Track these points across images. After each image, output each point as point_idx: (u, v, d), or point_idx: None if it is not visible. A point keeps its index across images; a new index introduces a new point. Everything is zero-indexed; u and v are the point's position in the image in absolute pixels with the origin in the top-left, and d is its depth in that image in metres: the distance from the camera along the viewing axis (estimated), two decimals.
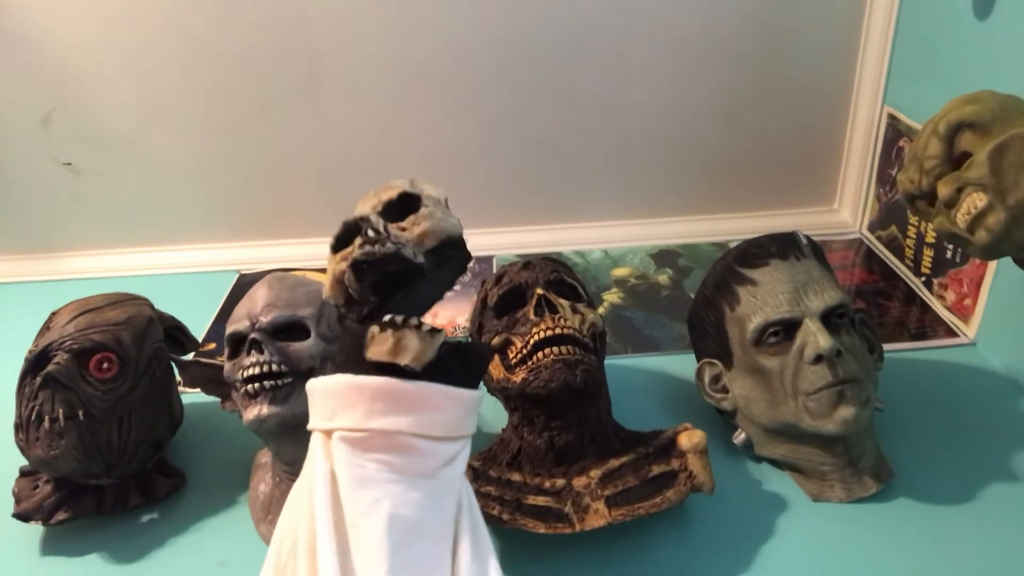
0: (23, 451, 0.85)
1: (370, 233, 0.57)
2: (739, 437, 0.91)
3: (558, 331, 0.83)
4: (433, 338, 0.55)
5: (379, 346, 0.55)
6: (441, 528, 0.56)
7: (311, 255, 1.44)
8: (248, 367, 0.82)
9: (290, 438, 0.82)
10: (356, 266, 0.57)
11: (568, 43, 1.29)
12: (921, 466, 0.89)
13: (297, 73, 1.32)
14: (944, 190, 0.69)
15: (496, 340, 0.87)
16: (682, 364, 1.07)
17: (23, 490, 0.89)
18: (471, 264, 0.65)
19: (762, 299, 0.86)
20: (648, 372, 1.10)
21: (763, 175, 1.42)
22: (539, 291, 0.88)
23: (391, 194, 0.61)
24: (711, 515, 0.85)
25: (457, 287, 1.34)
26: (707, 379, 0.93)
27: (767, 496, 0.88)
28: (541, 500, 0.79)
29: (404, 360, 0.54)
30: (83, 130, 1.37)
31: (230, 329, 0.87)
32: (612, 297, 1.28)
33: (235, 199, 1.45)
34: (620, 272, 1.35)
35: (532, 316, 0.86)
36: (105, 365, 0.86)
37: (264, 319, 0.85)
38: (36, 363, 0.85)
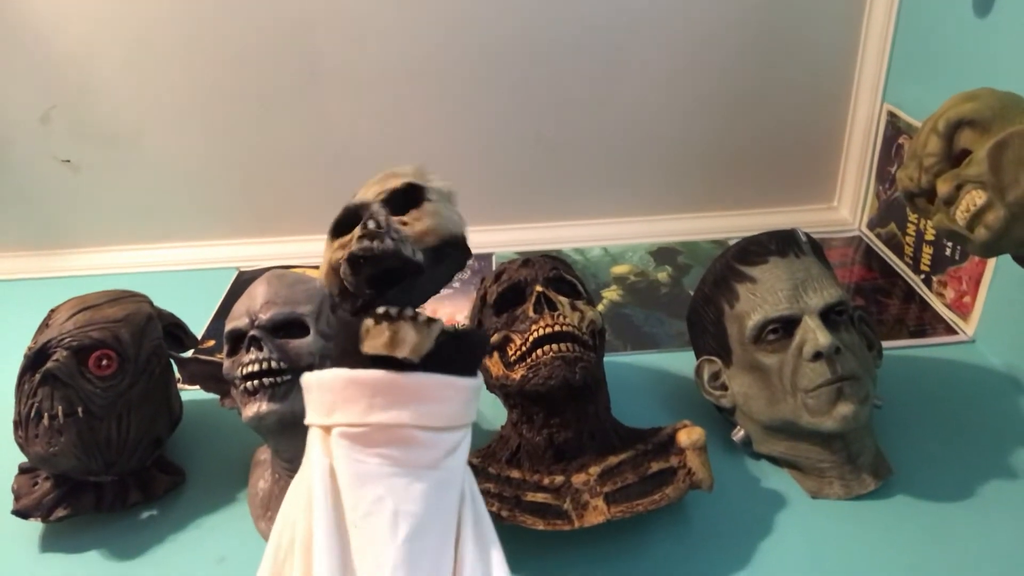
0: (22, 448, 0.85)
1: (370, 225, 0.56)
2: (738, 434, 0.91)
3: (557, 328, 0.83)
4: (430, 328, 0.54)
5: (375, 339, 0.54)
6: (445, 519, 0.56)
7: (310, 252, 1.44)
8: (247, 364, 0.82)
9: (289, 435, 0.83)
10: (353, 260, 0.56)
11: (568, 41, 1.29)
12: (919, 463, 0.89)
13: (297, 70, 1.32)
14: (943, 187, 0.69)
15: (495, 337, 0.87)
16: (681, 361, 1.07)
17: (22, 487, 0.89)
18: (470, 261, 0.65)
19: (761, 296, 0.86)
20: (647, 369, 1.10)
21: (762, 172, 1.42)
22: (538, 288, 0.88)
23: (396, 183, 0.60)
24: (710, 512, 0.85)
25: (456, 284, 1.34)
26: (706, 376, 0.93)
27: (766, 493, 0.88)
28: (540, 497, 0.79)
29: (401, 353, 0.53)
30: (82, 127, 1.37)
31: (229, 326, 0.87)
32: (611, 294, 1.28)
33: (234, 196, 1.44)
34: (619, 269, 1.35)
35: (531, 313, 0.86)
36: (104, 362, 0.86)
37: (263, 316, 0.85)
38: (35, 360, 0.85)
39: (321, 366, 0.78)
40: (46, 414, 0.83)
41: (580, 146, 1.39)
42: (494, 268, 0.99)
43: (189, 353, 1.02)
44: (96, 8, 1.26)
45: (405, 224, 0.58)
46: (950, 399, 0.99)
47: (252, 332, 0.84)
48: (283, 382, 0.82)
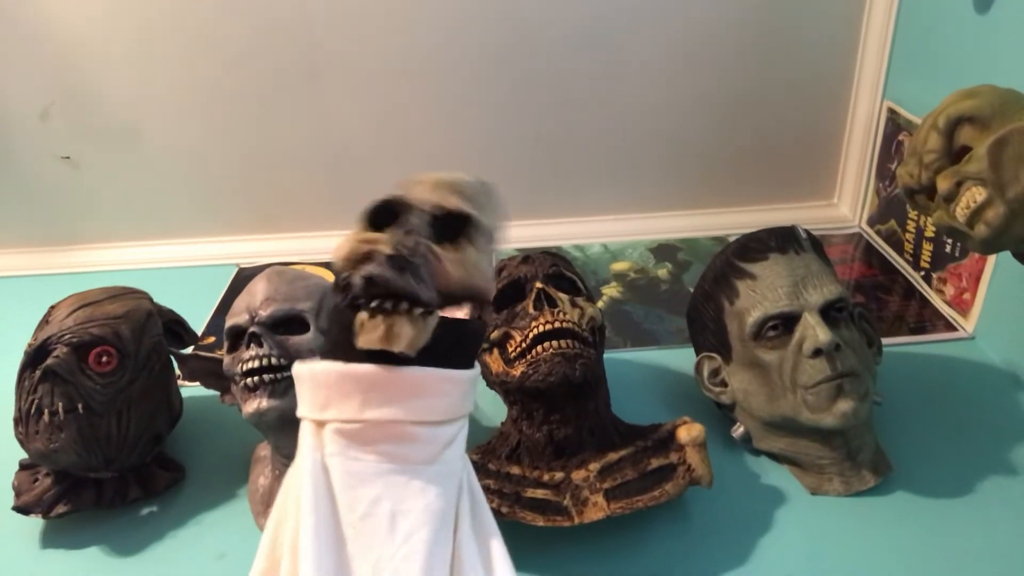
0: (23, 444, 0.85)
1: (403, 247, 0.53)
2: (738, 431, 0.91)
3: (557, 325, 0.83)
4: (426, 322, 0.52)
5: (370, 334, 0.52)
6: (444, 514, 0.54)
7: (310, 249, 1.44)
8: (247, 360, 0.82)
9: (289, 431, 0.82)
10: (367, 279, 0.52)
11: (568, 39, 1.29)
12: (919, 460, 0.89)
13: (297, 67, 1.32)
14: (943, 184, 0.69)
15: (495, 334, 0.87)
16: (681, 358, 1.07)
17: (23, 483, 0.89)
18: None
19: (761, 293, 0.86)
20: (647, 366, 1.10)
21: (762, 169, 1.42)
22: (538, 285, 0.88)
23: (452, 204, 0.57)
24: (710, 508, 0.85)
25: None
26: (706, 373, 0.94)
27: (765, 489, 0.88)
28: (540, 493, 0.79)
29: (397, 347, 0.51)
30: (82, 124, 1.37)
31: (229, 323, 0.87)
32: (611, 291, 1.28)
33: (234, 193, 1.44)
34: (619, 266, 1.35)
35: (531, 310, 0.86)
36: (104, 359, 0.86)
37: (263, 313, 0.85)
38: (35, 357, 0.85)
39: None
40: (46, 410, 0.83)
41: (580, 143, 1.39)
42: (494, 264, 0.99)
43: (189, 349, 1.02)
44: (96, 5, 1.26)
45: (438, 258, 0.54)
46: (950, 396, 0.99)
47: (252, 328, 0.84)
48: (283, 378, 0.82)
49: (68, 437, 0.83)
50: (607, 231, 1.44)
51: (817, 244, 0.92)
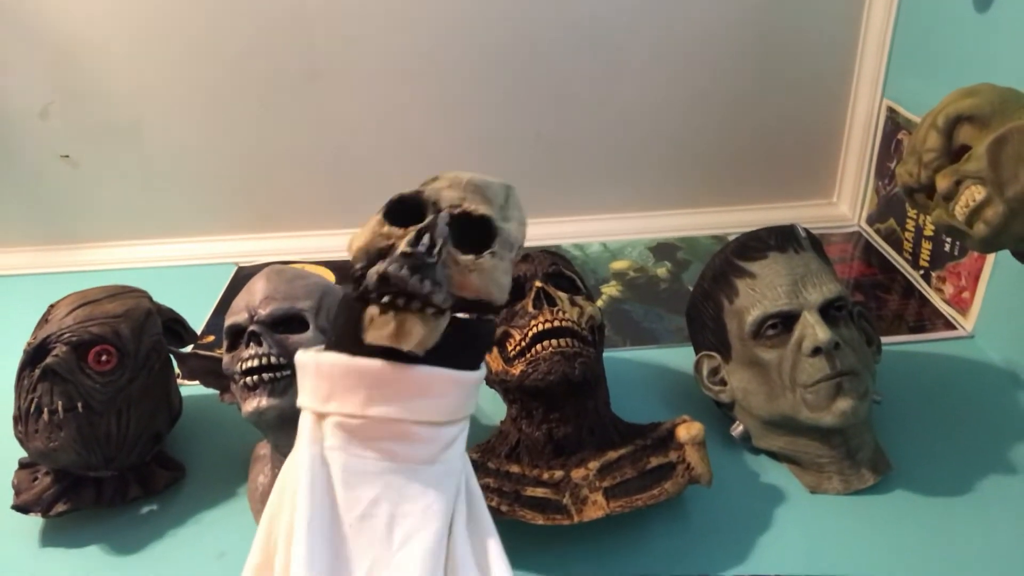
0: (22, 443, 0.85)
1: (422, 244, 0.51)
2: (737, 429, 0.92)
3: (556, 324, 0.83)
4: (437, 322, 0.51)
5: (379, 330, 0.51)
6: (442, 515, 0.53)
7: (310, 248, 1.44)
8: (247, 359, 0.82)
9: (289, 430, 0.81)
10: (382, 278, 0.51)
11: (567, 38, 1.29)
12: (918, 458, 0.89)
13: (296, 67, 1.31)
14: (943, 183, 0.69)
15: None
16: (680, 357, 1.07)
17: (22, 482, 0.89)
18: None
19: (760, 292, 0.86)
20: (646, 365, 1.10)
21: (762, 168, 1.42)
22: (537, 284, 0.88)
23: (477, 210, 0.56)
24: (709, 507, 0.85)
25: None
26: (705, 371, 0.94)
27: (765, 488, 0.88)
28: (539, 492, 0.79)
29: (406, 346, 0.50)
30: (81, 123, 1.37)
31: (229, 321, 0.87)
32: (611, 290, 1.28)
33: (234, 192, 1.44)
34: (619, 265, 1.35)
35: (531, 309, 0.86)
36: (104, 357, 0.86)
37: (263, 311, 0.85)
38: (35, 355, 0.85)
39: None
40: (46, 409, 0.83)
41: (579, 142, 1.39)
42: (511, 274, 0.99)
43: (188, 348, 1.02)
44: (96, 4, 1.26)
45: (456, 263, 0.53)
46: (949, 395, 0.99)
47: (251, 327, 0.84)
48: (283, 377, 0.82)
49: (68, 436, 0.83)
50: (606, 230, 1.44)
51: (816, 243, 0.92)
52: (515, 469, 0.82)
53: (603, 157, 1.41)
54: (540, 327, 0.83)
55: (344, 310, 0.54)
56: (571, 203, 1.45)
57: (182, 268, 1.43)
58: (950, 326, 1.12)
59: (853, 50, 1.31)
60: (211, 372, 0.92)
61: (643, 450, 0.82)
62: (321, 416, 0.53)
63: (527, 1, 1.26)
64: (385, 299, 0.51)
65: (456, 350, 0.54)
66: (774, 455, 0.91)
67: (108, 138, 1.38)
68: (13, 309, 1.29)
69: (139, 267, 1.43)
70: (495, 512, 0.75)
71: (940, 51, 1.12)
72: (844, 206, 1.44)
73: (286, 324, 0.85)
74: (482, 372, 0.57)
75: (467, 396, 0.56)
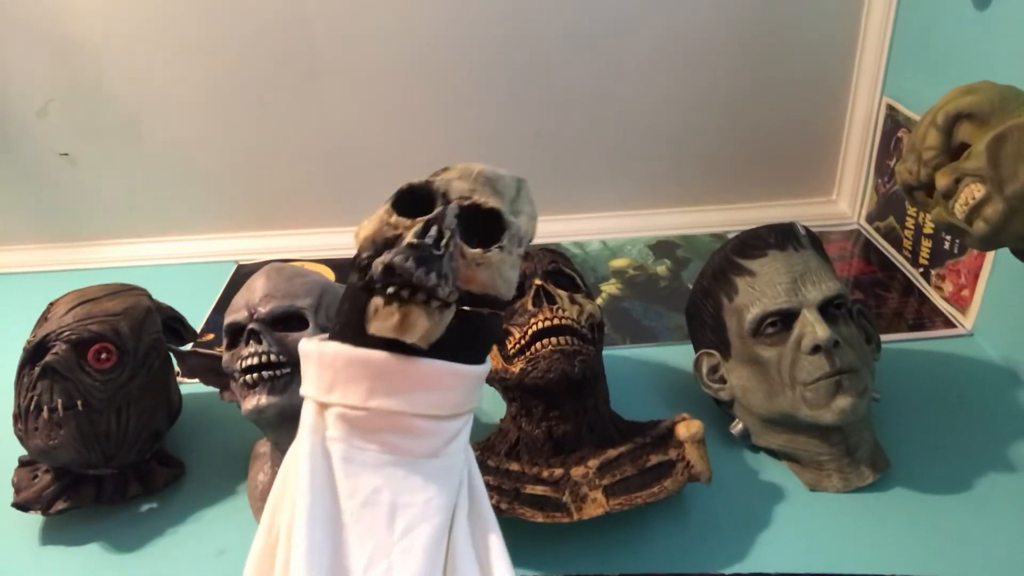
0: (22, 441, 0.85)
1: (429, 236, 0.51)
2: (736, 427, 0.92)
3: (556, 322, 0.83)
4: (442, 315, 0.51)
5: (383, 321, 0.50)
6: (444, 508, 0.53)
7: (309, 246, 1.44)
8: (246, 357, 0.82)
9: (289, 428, 0.82)
10: (387, 269, 0.51)
11: (567, 35, 1.29)
12: (918, 456, 0.89)
13: (296, 65, 1.31)
14: (942, 181, 0.69)
15: None
16: (680, 355, 1.07)
17: (22, 480, 0.89)
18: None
19: (760, 290, 0.86)
20: (646, 363, 1.10)
21: (761, 166, 1.42)
22: (537, 282, 0.88)
23: (487, 203, 0.55)
24: (708, 505, 0.85)
25: None
26: (705, 369, 0.94)
27: (764, 486, 0.88)
28: (539, 489, 0.79)
29: (410, 339, 0.50)
30: (81, 121, 1.37)
31: (228, 319, 0.87)
32: (610, 288, 1.28)
33: (233, 190, 1.44)
34: (618, 263, 1.35)
35: (530, 306, 0.86)
36: (103, 355, 0.86)
37: (262, 309, 0.85)
38: (34, 353, 0.85)
39: None
40: (45, 407, 0.83)
41: (579, 140, 1.39)
42: (519, 269, 0.99)
43: (188, 346, 1.02)
44: (94, 1, 1.25)
45: (464, 256, 0.53)
46: (948, 392, 0.99)
47: (251, 325, 0.84)
48: (282, 375, 0.82)
49: (67, 434, 0.83)
50: (606, 228, 1.44)
51: (816, 241, 0.92)
52: (515, 467, 0.82)
53: (602, 155, 1.41)
54: (540, 325, 0.83)
55: (349, 299, 0.54)
56: (571, 201, 1.45)
57: (182, 266, 1.43)
58: (949, 324, 1.12)
59: (853, 48, 1.31)
60: (211, 370, 0.92)
61: (643, 448, 0.82)
62: (323, 406, 0.53)
63: (526, 0, 1.26)
64: (390, 290, 0.50)
65: (461, 344, 0.53)
66: (773, 453, 0.91)
67: (107, 136, 1.38)
68: (12, 307, 1.29)
69: (138, 265, 1.43)
70: (495, 510, 0.75)
71: (940, 49, 1.12)
72: (844, 204, 1.44)
73: (286, 322, 0.85)
74: (486, 366, 0.57)
75: (471, 390, 0.55)
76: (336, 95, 1.34)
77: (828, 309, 0.84)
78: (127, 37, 1.29)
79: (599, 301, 1.22)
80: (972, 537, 0.80)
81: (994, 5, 1.00)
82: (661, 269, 1.32)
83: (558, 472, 0.81)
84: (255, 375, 0.82)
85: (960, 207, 0.68)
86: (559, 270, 0.92)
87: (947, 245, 1.13)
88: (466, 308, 0.53)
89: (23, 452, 0.88)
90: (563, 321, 0.84)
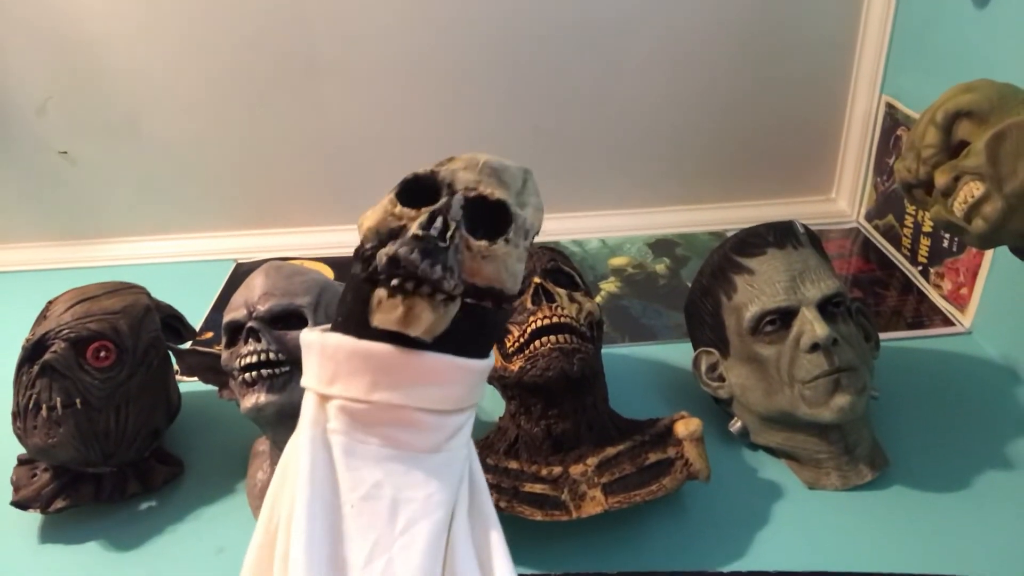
0: (21, 439, 0.85)
1: (434, 228, 0.50)
2: (735, 425, 0.92)
3: (555, 320, 0.83)
4: (447, 308, 0.50)
5: (387, 314, 0.49)
6: (445, 503, 0.52)
7: (308, 244, 1.44)
8: (245, 355, 0.82)
9: (288, 426, 0.81)
10: (391, 260, 0.50)
11: (566, 32, 1.29)
12: (916, 454, 0.89)
13: (295, 63, 1.31)
14: (941, 179, 0.69)
15: None
16: (679, 353, 1.07)
17: (21, 478, 0.89)
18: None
19: (759, 288, 0.86)
20: (645, 361, 1.10)
21: (760, 164, 1.42)
22: (536, 280, 0.88)
23: (494, 194, 0.54)
24: (707, 503, 0.85)
25: None
26: (704, 368, 0.94)
27: (763, 484, 0.88)
28: (538, 488, 0.79)
29: (414, 332, 0.49)
30: (80, 119, 1.36)
31: (227, 318, 0.87)
32: (609, 286, 1.28)
33: (232, 188, 1.44)
34: (617, 261, 1.35)
35: (529, 305, 0.86)
36: (102, 354, 0.86)
37: (261, 308, 0.85)
38: (33, 352, 0.85)
39: None
40: (44, 405, 0.83)
41: (578, 138, 1.39)
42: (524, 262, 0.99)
43: (187, 345, 1.02)
44: (94, 0, 1.26)
45: (469, 248, 0.52)
46: (947, 390, 0.99)
47: (250, 324, 0.84)
48: (281, 373, 0.82)
49: (66, 432, 0.83)
50: (605, 226, 1.44)
51: (815, 239, 0.92)
52: (514, 465, 0.82)
53: (602, 153, 1.41)
54: (539, 323, 0.83)
55: (352, 290, 0.53)
56: (570, 199, 1.45)
57: (180, 264, 1.43)
58: (948, 322, 1.12)
59: (852, 46, 1.31)
60: (210, 368, 0.92)
61: (641, 446, 0.82)
62: (325, 398, 0.52)
63: None
64: (394, 282, 0.49)
65: (465, 337, 0.52)
66: (772, 451, 0.91)
67: (107, 135, 1.38)
68: (11, 305, 1.29)
69: (137, 263, 1.43)
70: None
71: (939, 47, 1.12)
72: (843, 202, 1.44)
73: (285, 320, 0.86)
74: (490, 361, 0.56)
75: (474, 385, 0.54)
76: (335, 93, 1.34)
77: (827, 307, 0.84)
78: (127, 35, 1.29)
79: (598, 299, 1.22)
80: (971, 535, 0.80)
81: (993, 3, 1.00)
82: (660, 267, 1.32)
83: (557, 470, 0.81)
84: (254, 373, 0.82)
85: (959, 205, 0.68)
86: (558, 268, 0.92)
87: (946, 243, 1.13)
88: (471, 301, 0.52)
89: (22, 450, 0.88)
90: (562, 319, 0.84)
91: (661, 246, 1.38)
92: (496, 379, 0.89)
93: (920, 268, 1.21)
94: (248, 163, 1.41)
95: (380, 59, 1.31)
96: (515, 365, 0.83)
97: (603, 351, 0.92)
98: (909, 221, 1.23)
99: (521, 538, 0.79)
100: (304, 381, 0.54)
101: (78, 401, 0.84)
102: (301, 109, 1.36)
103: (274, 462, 0.88)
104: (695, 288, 0.95)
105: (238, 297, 0.88)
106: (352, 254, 0.54)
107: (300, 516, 0.48)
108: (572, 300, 0.88)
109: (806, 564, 0.78)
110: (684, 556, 0.80)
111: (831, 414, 0.81)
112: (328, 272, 1.28)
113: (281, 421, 0.83)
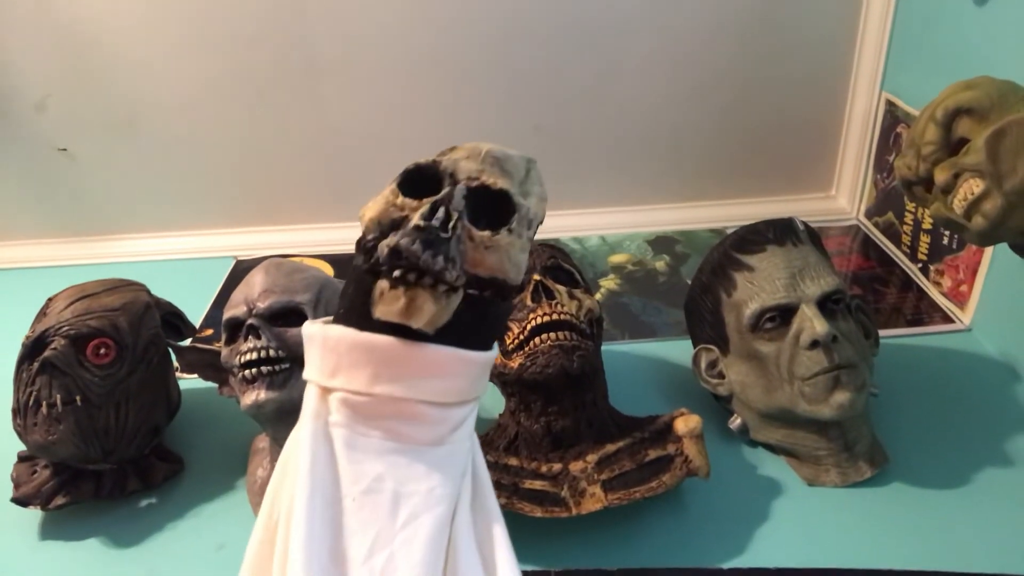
0: (21, 436, 0.85)
1: (435, 219, 0.49)
2: (735, 422, 0.92)
3: (555, 317, 0.83)
4: (449, 300, 0.49)
5: (389, 305, 0.49)
6: (447, 497, 0.52)
7: (308, 241, 1.44)
8: (245, 352, 0.82)
9: (288, 422, 0.81)
10: (393, 251, 0.49)
11: (567, 30, 1.29)
12: (915, 451, 0.89)
13: (295, 60, 1.31)
14: (941, 176, 0.69)
15: None
16: (679, 350, 1.07)
17: (21, 475, 0.89)
18: None
19: (759, 285, 0.86)
20: (645, 358, 1.10)
21: (760, 161, 1.42)
22: (536, 277, 0.88)
23: (496, 184, 0.53)
24: (707, 499, 0.85)
25: None
26: (703, 365, 0.94)
27: (762, 481, 0.88)
28: (538, 484, 0.79)
29: (416, 323, 0.48)
30: (79, 116, 1.36)
31: (227, 315, 0.87)
32: (609, 283, 1.28)
33: (232, 185, 1.44)
34: (617, 258, 1.35)
35: (529, 302, 0.86)
36: (102, 351, 0.86)
37: (261, 305, 0.85)
38: (33, 349, 0.85)
39: None
40: (44, 402, 0.83)
41: (578, 135, 1.39)
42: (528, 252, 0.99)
43: (187, 342, 1.02)
44: None
45: (471, 239, 0.51)
46: (946, 387, 0.99)
47: (250, 321, 0.84)
48: (281, 370, 0.82)
49: (66, 429, 0.83)
50: (605, 223, 1.44)
51: (815, 236, 0.92)
52: (513, 462, 0.82)
53: (602, 150, 1.40)
54: (538, 320, 0.83)
55: (353, 281, 0.52)
56: (569, 196, 1.45)
57: (180, 261, 1.43)
58: (948, 319, 1.12)
59: (852, 43, 1.31)
60: (210, 365, 0.92)
61: (641, 443, 0.82)
62: (326, 390, 0.52)
63: None
64: (396, 273, 0.49)
65: (468, 329, 0.51)
66: (772, 448, 0.91)
67: (106, 132, 1.37)
68: (11, 302, 1.28)
69: (137, 260, 1.43)
70: None
71: (939, 44, 1.12)
72: (843, 199, 1.44)
73: (285, 317, 0.86)
74: (493, 353, 0.55)
75: (477, 377, 0.54)
76: (335, 92, 1.34)
77: (827, 304, 0.84)
78: (126, 32, 1.28)
79: (598, 296, 1.23)
80: (970, 531, 0.80)
81: (993, 0, 1.00)
82: (660, 264, 1.32)
83: (557, 467, 0.81)
84: (254, 370, 0.82)
85: (959, 202, 0.68)
86: (558, 265, 0.92)
87: (946, 240, 1.13)
88: (473, 292, 0.52)
89: (22, 447, 0.88)
90: (562, 316, 0.84)
91: (661, 243, 1.38)
92: (496, 376, 0.89)
93: (920, 265, 1.21)
94: (248, 160, 1.41)
95: (380, 58, 1.31)
96: (515, 362, 0.83)
97: (603, 348, 0.92)
98: (909, 218, 1.23)
99: (521, 534, 0.79)
100: (306, 374, 0.54)
101: (78, 398, 0.84)
102: (301, 107, 1.36)
103: (274, 459, 0.88)
104: (695, 285, 0.95)
105: (238, 294, 0.88)
106: (353, 247, 0.54)
107: (300, 510, 0.47)
108: (572, 297, 0.88)
109: (805, 561, 0.78)
110: (684, 552, 0.80)
111: (831, 411, 0.81)
112: (328, 269, 1.28)
113: (281, 418, 0.83)
